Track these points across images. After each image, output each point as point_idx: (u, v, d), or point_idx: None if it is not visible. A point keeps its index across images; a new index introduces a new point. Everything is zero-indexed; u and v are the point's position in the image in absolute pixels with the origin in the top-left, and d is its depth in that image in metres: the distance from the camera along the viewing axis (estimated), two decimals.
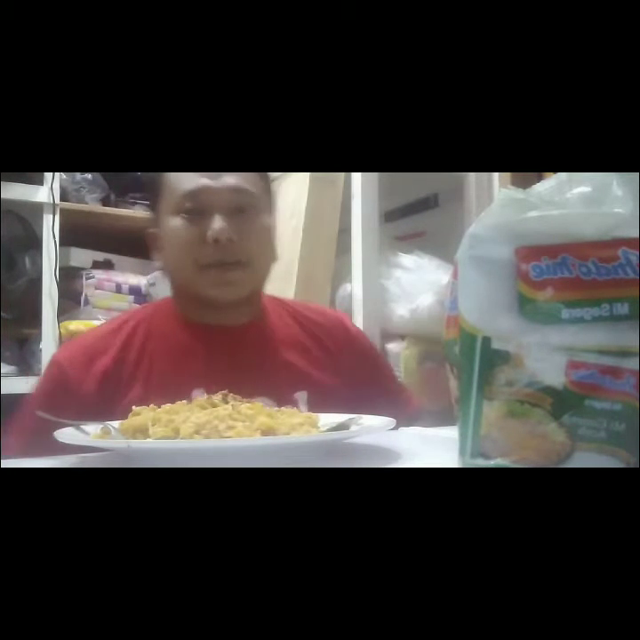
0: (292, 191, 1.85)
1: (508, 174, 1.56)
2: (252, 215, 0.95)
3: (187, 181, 0.93)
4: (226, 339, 0.96)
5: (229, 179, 0.94)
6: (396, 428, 0.62)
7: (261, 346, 0.98)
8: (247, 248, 0.93)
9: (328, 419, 0.64)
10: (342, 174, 1.89)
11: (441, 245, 1.66)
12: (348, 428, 0.62)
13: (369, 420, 0.64)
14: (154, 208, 1.00)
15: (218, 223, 0.92)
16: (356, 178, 1.86)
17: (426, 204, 2.05)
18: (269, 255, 1.00)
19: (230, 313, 0.96)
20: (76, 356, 0.92)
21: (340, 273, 1.85)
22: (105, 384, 0.89)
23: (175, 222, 0.93)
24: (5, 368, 1.81)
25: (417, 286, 1.71)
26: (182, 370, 0.91)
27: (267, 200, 1.01)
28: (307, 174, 1.84)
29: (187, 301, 0.97)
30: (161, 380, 0.89)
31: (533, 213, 0.40)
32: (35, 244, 1.84)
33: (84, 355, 0.92)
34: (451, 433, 0.67)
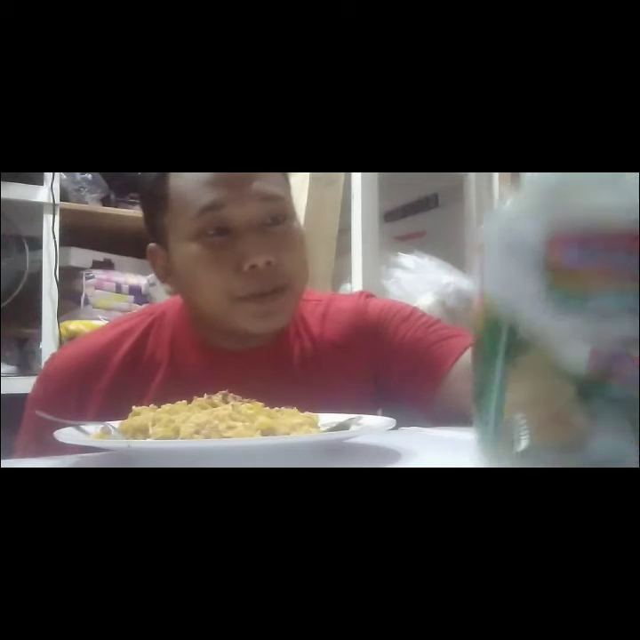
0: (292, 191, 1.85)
1: (508, 174, 1.56)
2: (285, 226, 0.79)
3: (201, 194, 0.75)
4: (244, 363, 0.81)
5: (255, 184, 0.76)
6: (396, 427, 0.62)
7: (280, 367, 0.84)
8: (287, 268, 0.78)
9: (328, 419, 0.64)
10: (342, 174, 1.89)
11: (441, 245, 1.66)
12: (348, 428, 0.62)
13: (369, 420, 0.64)
14: (152, 221, 0.81)
15: (252, 245, 0.75)
16: (356, 178, 1.87)
17: (426, 204, 2.05)
18: (306, 270, 0.83)
19: (259, 339, 0.82)
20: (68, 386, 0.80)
21: (340, 273, 1.85)
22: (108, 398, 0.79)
23: (193, 249, 0.76)
24: (5, 368, 1.82)
25: (417, 286, 1.71)
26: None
27: (292, 203, 0.84)
28: (307, 174, 1.84)
29: (208, 329, 0.83)
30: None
31: (566, 200, 0.40)
32: None
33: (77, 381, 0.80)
34: (451, 433, 0.67)
